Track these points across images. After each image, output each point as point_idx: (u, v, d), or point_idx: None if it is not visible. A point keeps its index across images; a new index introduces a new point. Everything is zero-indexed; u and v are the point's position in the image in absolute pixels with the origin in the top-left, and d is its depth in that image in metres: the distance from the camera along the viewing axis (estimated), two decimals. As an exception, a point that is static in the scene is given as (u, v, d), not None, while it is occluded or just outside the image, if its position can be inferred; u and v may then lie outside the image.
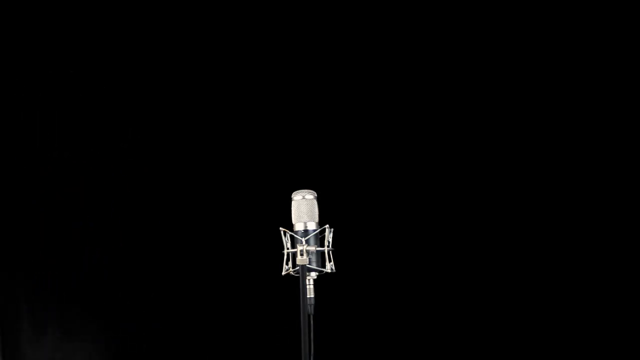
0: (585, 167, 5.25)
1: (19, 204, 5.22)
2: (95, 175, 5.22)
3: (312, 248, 2.97)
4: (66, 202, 5.22)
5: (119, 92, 5.24)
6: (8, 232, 5.19)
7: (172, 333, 5.15)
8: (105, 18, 5.20)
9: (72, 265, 5.20)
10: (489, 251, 5.26)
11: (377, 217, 5.02)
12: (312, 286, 2.94)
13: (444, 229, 5.29)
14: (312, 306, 2.93)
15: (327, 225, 3.01)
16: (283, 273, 3.01)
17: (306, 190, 3.02)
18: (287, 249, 3.00)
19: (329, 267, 3.02)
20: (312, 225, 2.98)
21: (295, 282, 3.01)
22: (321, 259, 2.97)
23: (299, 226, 2.99)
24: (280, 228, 3.02)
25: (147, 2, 5.21)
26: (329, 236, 3.01)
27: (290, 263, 2.99)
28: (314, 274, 2.96)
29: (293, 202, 3.00)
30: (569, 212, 5.29)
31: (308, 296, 2.93)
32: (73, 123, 5.22)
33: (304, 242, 2.96)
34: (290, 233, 2.99)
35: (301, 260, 2.95)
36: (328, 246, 3.01)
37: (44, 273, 5.21)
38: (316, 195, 3.01)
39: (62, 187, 5.22)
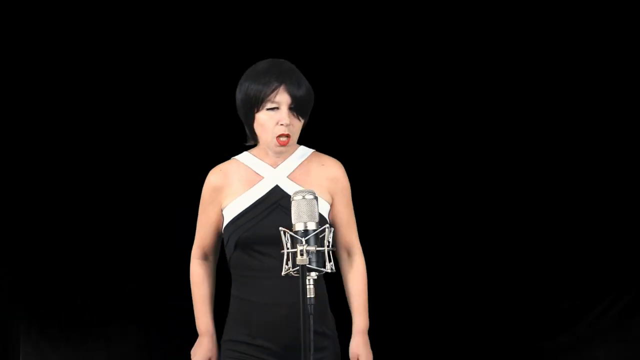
0: (587, 166, 5.25)
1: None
2: (95, 175, 5.21)
3: (312, 248, 2.96)
4: (65, 202, 5.21)
5: (117, 91, 5.23)
6: (8, 233, 5.18)
7: (171, 333, 5.14)
8: (100, 18, 5.20)
9: (72, 265, 5.20)
10: (489, 249, 5.26)
11: (376, 217, 5.02)
12: (312, 286, 2.94)
13: (443, 229, 5.29)
14: (312, 306, 2.93)
15: (327, 225, 3.00)
16: (283, 273, 3.01)
17: (306, 190, 3.01)
18: (287, 249, 2.99)
19: (329, 267, 3.01)
20: (312, 225, 2.98)
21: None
22: (321, 259, 2.97)
23: (299, 226, 2.98)
24: (280, 228, 3.02)
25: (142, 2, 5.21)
26: (329, 236, 3.00)
27: (290, 263, 2.98)
28: (314, 274, 2.96)
29: (293, 202, 2.99)
30: (566, 211, 5.29)
31: (308, 296, 2.93)
32: (72, 122, 5.22)
33: (304, 242, 2.96)
34: (290, 233, 2.99)
35: (301, 260, 2.95)
36: (328, 246, 3.00)
37: (43, 274, 5.20)
38: (316, 195, 3.01)
39: (62, 186, 5.21)
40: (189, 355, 3.47)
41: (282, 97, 3.30)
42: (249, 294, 3.32)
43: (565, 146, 5.29)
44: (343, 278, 3.47)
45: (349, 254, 3.47)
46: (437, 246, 5.31)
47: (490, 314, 5.29)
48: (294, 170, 3.39)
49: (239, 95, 3.38)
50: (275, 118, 3.30)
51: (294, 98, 3.29)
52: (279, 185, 3.35)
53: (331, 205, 3.42)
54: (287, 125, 3.29)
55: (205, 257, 3.46)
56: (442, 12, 5.27)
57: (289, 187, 3.34)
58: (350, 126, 5.23)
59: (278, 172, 3.37)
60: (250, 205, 3.33)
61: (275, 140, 3.31)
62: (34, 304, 5.16)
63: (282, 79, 3.30)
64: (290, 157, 3.41)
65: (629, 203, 5.26)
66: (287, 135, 3.31)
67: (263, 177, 3.37)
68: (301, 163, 3.41)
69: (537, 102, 5.31)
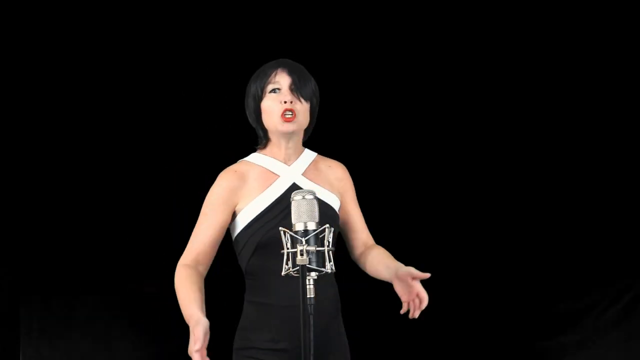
0: (586, 166, 5.25)
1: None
2: (95, 175, 5.22)
3: (312, 248, 2.96)
4: (65, 202, 5.21)
5: (117, 91, 5.24)
6: (8, 232, 5.18)
7: (171, 333, 5.14)
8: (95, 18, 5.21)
9: (72, 266, 5.20)
10: (489, 250, 5.27)
11: (376, 216, 5.03)
12: (312, 286, 2.94)
13: (443, 229, 5.29)
14: (312, 306, 2.92)
15: (327, 225, 3.00)
16: (283, 273, 3.01)
17: (306, 190, 3.01)
18: (287, 249, 2.99)
19: (329, 267, 3.01)
20: (312, 225, 2.97)
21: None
22: (321, 259, 2.97)
23: (299, 226, 2.98)
24: (280, 228, 3.02)
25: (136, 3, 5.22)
26: (329, 236, 3.00)
27: (290, 263, 2.98)
28: (314, 274, 2.96)
29: (293, 202, 2.99)
30: (566, 211, 5.30)
31: (308, 296, 2.93)
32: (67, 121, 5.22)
33: (304, 242, 2.96)
34: (290, 233, 2.98)
35: (301, 260, 2.94)
36: (328, 246, 3.00)
37: (43, 274, 5.21)
38: (316, 195, 3.01)
39: (62, 186, 5.21)
40: (189, 355, 3.47)
41: (282, 78, 3.32)
42: (268, 297, 3.29)
43: (564, 146, 5.30)
44: (368, 258, 3.44)
45: (366, 245, 3.51)
46: (438, 246, 5.31)
47: (490, 314, 5.30)
48: (306, 169, 3.40)
49: (246, 99, 3.41)
50: (278, 99, 3.31)
51: (293, 79, 3.31)
52: (296, 183, 3.35)
53: (341, 204, 3.44)
54: (290, 102, 3.29)
55: (196, 265, 3.31)
56: (443, 15, 5.27)
57: (305, 185, 3.35)
58: (352, 129, 5.23)
59: (293, 169, 3.37)
60: (269, 206, 3.30)
61: (280, 118, 3.29)
62: (34, 304, 5.16)
63: (280, 64, 3.36)
64: (301, 156, 3.40)
65: (629, 202, 5.26)
66: (292, 111, 3.31)
67: (279, 176, 3.35)
68: (310, 163, 3.42)
69: (537, 102, 5.32)
